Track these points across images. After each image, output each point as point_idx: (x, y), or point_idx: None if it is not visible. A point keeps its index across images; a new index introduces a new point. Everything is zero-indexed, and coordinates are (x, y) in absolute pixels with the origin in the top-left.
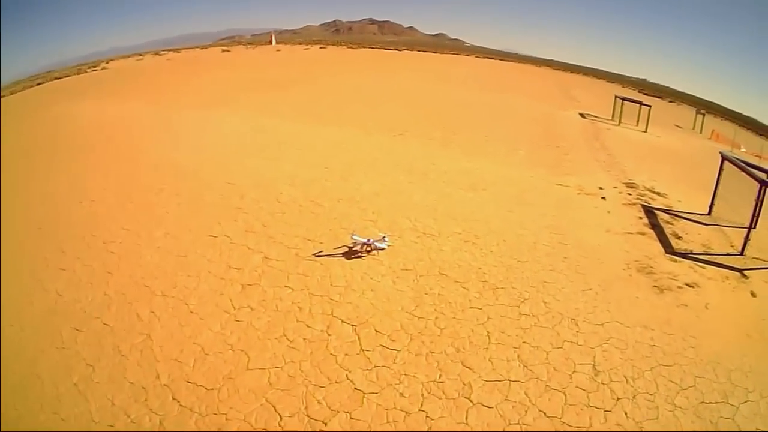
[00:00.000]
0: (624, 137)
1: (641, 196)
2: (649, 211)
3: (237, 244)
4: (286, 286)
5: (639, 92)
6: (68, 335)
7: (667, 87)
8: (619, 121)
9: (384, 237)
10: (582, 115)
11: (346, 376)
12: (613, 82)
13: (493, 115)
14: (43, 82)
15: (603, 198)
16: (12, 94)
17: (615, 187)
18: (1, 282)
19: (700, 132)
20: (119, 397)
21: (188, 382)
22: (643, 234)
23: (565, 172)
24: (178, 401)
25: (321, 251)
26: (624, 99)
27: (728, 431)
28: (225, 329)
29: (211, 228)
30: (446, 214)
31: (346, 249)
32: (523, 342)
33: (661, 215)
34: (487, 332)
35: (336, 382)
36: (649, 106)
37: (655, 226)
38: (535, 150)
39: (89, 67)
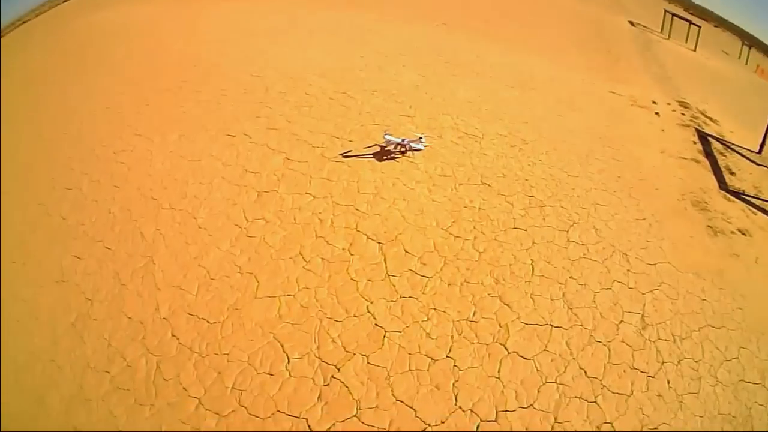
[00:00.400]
0: (675, 52)
1: (695, 118)
2: (703, 137)
3: (256, 143)
4: (307, 193)
5: (684, 11)
6: (69, 265)
7: (712, 12)
8: (669, 36)
9: (421, 137)
10: (632, 23)
11: (367, 308)
12: None
13: (541, 11)
14: None
15: (657, 113)
16: (37, 16)
17: (668, 104)
18: (1, 215)
19: (746, 63)
20: (116, 336)
21: (189, 314)
22: (697, 162)
23: (617, 79)
24: (177, 338)
25: (350, 151)
26: (674, 15)
27: None
28: (234, 247)
29: (229, 127)
30: (491, 113)
31: (378, 149)
32: (570, 277)
33: (715, 144)
34: (531, 261)
35: (355, 316)
36: (699, 26)
37: (709, 154)
38: (586, 52)
39: None
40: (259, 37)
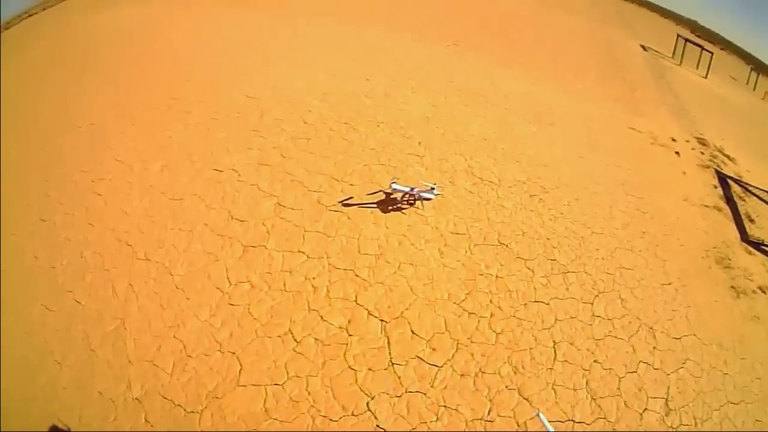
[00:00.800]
0: (688, 81)
1: (713, 157)
2: (723, 180)
3: (245, 182)
4: (299, 251)
5: (691, 32)
6: (38, 316)
7: (717, 34)
8: (681, 61)
9: (433, 188)
10: (644, 48)
11: (367, 405)
12: (666, 17)
13: (555, 34)
14: None
15: (677, 153)
16: (44, 9)
17: (687, 141)
18: None
19: (754, 89)
20: (87, 411)
21: (164, 397)
22: (719, 210)
23: (634, 112)
24: (151, 424)
25: (350, 197)
26: (687, 40)
27: None
28: (215, 317)
29: (217, 159)
30: (508, 153)
31: (383, 196)
32: (595, 361)
33: (734, 187)
34: (554, 343)
35: (353, 415)
36: (711, 52)
37: (730, 200)
38: (602, 79)
39: None
40: (258, 51)
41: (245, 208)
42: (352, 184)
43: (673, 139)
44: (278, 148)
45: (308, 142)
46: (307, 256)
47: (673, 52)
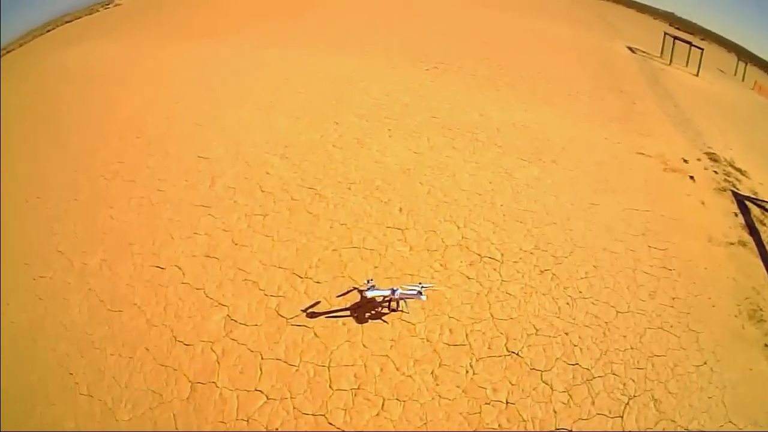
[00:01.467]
0: (681, 83)
1: (727, 175)
2: (741, 203)
3: (191, 285)
4: (256, 389)
5: (670, 25)
6: None
7: (696, 24)
8: (670, 61)
9: (420, 290)
10: (631, 50)
11: None
12: (643, 12)
13: (541, 45)
14: (53, 29)
15: (692, 178)
16: (20, 46)
17: (699, 160)
18: None
19: (743, 80)
20: None
21: None
22: (744, 245)
23: (639, 130)
24: None
25: (317, 302)
26: (675, 38)
27: None
28: None
29: (160, 248)
30: (509, 211)
31: (358, 296)
32: None
33: (753, 209)
34: None
35: None
36: (702, 48)
37: (753, 230)
38: (599, 94)
39: (102, 6)
40: (216, 93)
41: (190, 325)
42: (318, 282)
43: (685, 160)
44: (230, 231)
45: (265, 220)
46: (267, 397)
47: (661, 51)
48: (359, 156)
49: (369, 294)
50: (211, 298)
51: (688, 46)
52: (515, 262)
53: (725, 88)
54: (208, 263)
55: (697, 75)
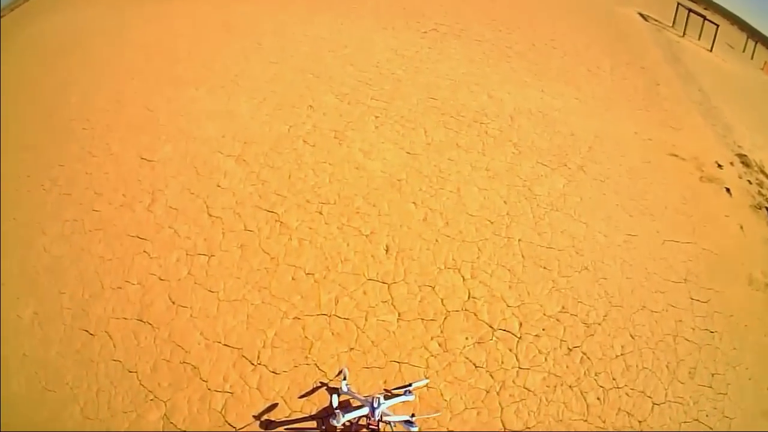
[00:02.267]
0: (698, 59)
1: (760, 186)
2: None
3: (122, 364)
4: None
5: None
6: None
7: None
8: (684, 32)
9: (410, 420)
10: (643, 17)
11: None
12: None
13: (548, 5)
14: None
15: (728, 190)
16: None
17: (731, 164)
18: None
19: (752, 58)
20: None
21: None
22: None
23: (669, 123)
24: None
25: (272, 406)
26: (690, 10)
27: None
28: None
29: (90, 303)
30: (530, 251)
31: (327, 396)
32: None
33: None
34: None
35: None
36: (717, 24)
37: None
38: (619, 71)
39: None
40: (176, 65)
41: (126, 423)
42: (274, 371)
43: (719, 165)
44: (166, 281)
45: (209, 263)
46: None
47: (673, 21)
48: (336, 158)
49: (343, 419)
50: (146, 387)
51: (701, 19)
52: (537, 335)
53: (736, 67)
54: (141, 331)
55: (711, 50)
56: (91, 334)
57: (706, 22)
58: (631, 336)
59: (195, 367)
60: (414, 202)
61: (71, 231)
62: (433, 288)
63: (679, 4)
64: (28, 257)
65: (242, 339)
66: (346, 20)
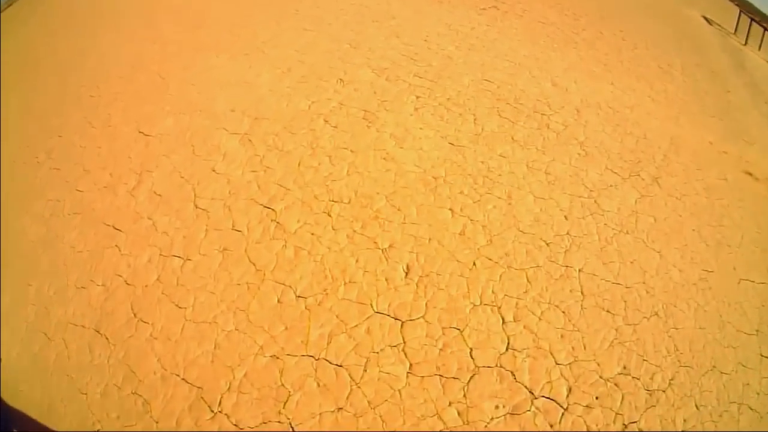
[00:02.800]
0: (762, 70)
1: None
2: None
3: (75, 385)
4: None
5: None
6: None
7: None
8: (746, 41)
9: None
10: (707, 21)
11: None
12: None
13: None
14: None
15: None
16: None
17: None
18: None
19: None
20: None
21: None
22: None
23: (742, 135)
24: None
25: None
26: (753, 19)
27: None
28: None
29: (52, 303)
30: (592, 288)
31: None
32: None
33: None
34: None
35: None
36: None
37: None
38: (690, 71)
39: None
40: (201, 30)
41: None
42: (236, 425)
43: None
44: (132, 286)
45: (183, 269)
46: None
47: (735, 29)
48: (360, 144)
49: None
50: (94, 415)
51: (762, 30)
52: (588, 406)
53: None
54: (96, 345)
55: None
56: (49, 339)
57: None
58: (696, 406)
59: (146, 402)
60: (451, 209)
61: (51, 212)
62: (462, 332)
63: (741, 12)
64: (7, 239)
65: (204, 375)
66: None
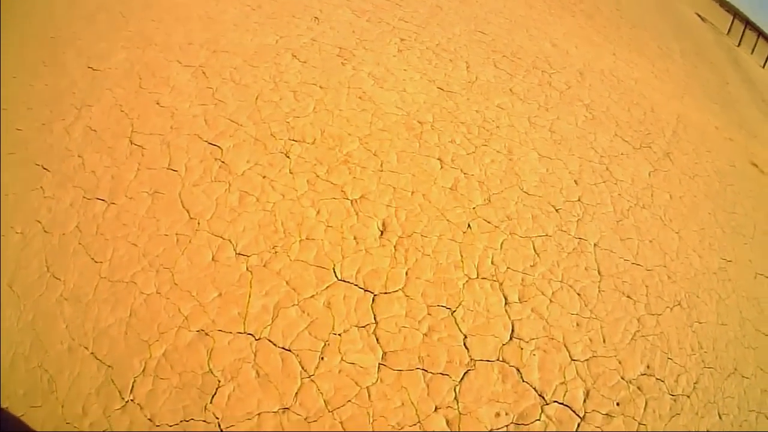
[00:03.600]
0: (755, 72)
1: None
2: None
3: None
4: None
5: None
6: None
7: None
8: (739, 43)
9: None
10: (701, 18)
11: None
12: None
13: None
14: None
15: None
16: None
17: None
18: None
19: None
20: None
21: None
22: None
23: (744, 126)
24: None
25: None
26: (747, 22)
27: None
28: None
29: None
30: (610, 266)
31: None
32: None
33: None
34: None
35: None
36: None
37: None
38: (689, 58)
39: None
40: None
41: None
42: (150, 419)
43: None
44: (48, 236)
45: (106, 212)
46: None
47: (728, 30)
48: (332, 81)
49: None
50: (4, 389)
51: (756, 34)
52: (607, 415)
53: None
54: (8, 304)
55: (763, 67)
56: None
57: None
58: (719, 415)
59: (52, 379)
60: (440, 159)
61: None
62: (453, 312)
63: (735, 14)
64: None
65: (115, 350)
66: None
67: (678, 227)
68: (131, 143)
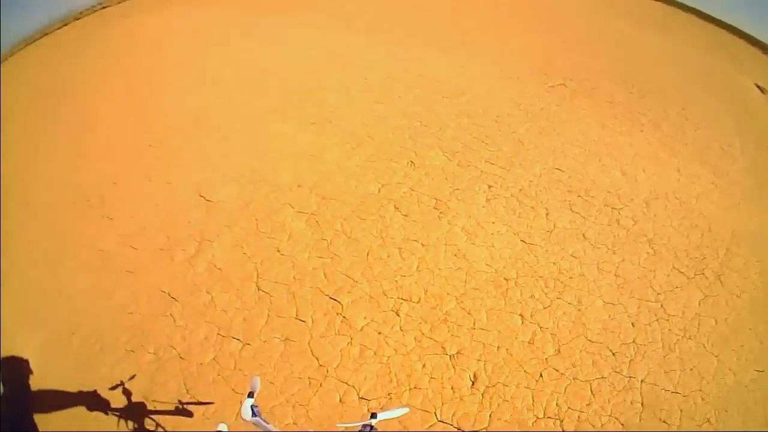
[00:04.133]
0: None
1: None
2: None
3: None
4: None
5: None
6: None
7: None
8: None
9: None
10: (760, 89)
11: None
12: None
13: (671, 67)
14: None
15: None
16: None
17: None
18: None
19: None
20: None
21: None
22: None
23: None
24: None
25: None
26: None
27: None
28: None
29: None
30: (652, 397)
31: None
32: None
33: None
34: None
35: None
36: None
37: None
38: (749, 152)
39: None
40: (268, 91)
41: None
42: None
43: None
44: (184, 362)
45: (242, 351)
46: None
47: None
48: (431, 237)
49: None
50: None
51: None
52: None
53: None
54: None
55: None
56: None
57: None
58: None
59: None
60: (521, 315)
61: (101, 264)
62: None
63: None
64: (52, 283)
65: None
66: (467, 64)
67: (718, 351)
68: (258, 289)
